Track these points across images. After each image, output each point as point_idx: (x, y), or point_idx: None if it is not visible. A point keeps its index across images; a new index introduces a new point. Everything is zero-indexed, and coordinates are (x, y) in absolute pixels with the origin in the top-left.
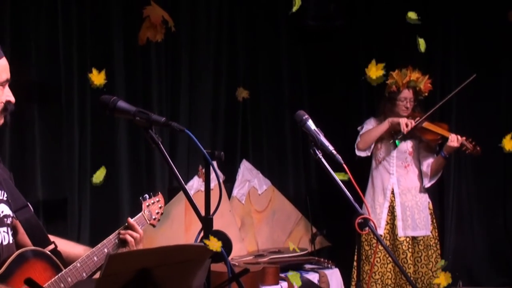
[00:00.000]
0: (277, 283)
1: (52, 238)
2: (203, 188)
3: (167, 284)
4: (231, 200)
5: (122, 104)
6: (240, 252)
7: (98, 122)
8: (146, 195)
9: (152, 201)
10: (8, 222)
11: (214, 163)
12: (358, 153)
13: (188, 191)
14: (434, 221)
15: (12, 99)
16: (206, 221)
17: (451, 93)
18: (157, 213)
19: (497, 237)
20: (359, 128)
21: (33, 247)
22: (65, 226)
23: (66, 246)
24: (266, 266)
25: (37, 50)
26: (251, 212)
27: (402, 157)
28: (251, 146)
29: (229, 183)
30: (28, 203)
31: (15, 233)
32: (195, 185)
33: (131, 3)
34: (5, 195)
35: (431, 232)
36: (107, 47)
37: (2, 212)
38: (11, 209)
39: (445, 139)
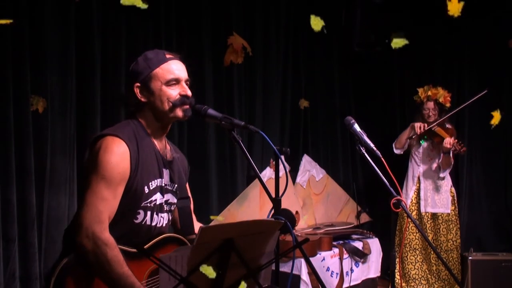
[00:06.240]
0: (330, 249)
1: (196, 229)
2: (273, 176)
3: (246, 250)
4: (295, 185)
5: (211, 111)
6: (302, 225)
7: (192, 125)
8: None
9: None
10: (172, 209)
11: (282, 157)
12: (395, 151)
13: (262, 178)
14: (455, 202)
15: (187, 92)
16: (276, 201)
17: (463, 105)
18: None
19: (500, 213)
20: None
21: (176, 235)
22: None
23: None
24: (322, 236)
25: None
26: (311, 194)
27: (425, 153)
28: (311, 144)
29: (293, 172)
30: (190, 196)
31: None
32: (267, 174)
33: (219, 33)
34: (175, 187)
35: (452, 210)
36: (200, 67)
37: (168, 200)
38: (176, 198)
39: None
